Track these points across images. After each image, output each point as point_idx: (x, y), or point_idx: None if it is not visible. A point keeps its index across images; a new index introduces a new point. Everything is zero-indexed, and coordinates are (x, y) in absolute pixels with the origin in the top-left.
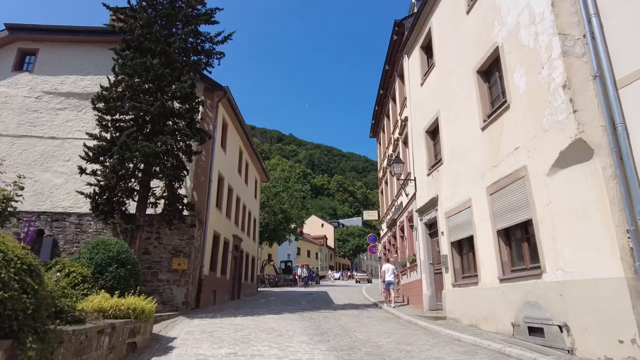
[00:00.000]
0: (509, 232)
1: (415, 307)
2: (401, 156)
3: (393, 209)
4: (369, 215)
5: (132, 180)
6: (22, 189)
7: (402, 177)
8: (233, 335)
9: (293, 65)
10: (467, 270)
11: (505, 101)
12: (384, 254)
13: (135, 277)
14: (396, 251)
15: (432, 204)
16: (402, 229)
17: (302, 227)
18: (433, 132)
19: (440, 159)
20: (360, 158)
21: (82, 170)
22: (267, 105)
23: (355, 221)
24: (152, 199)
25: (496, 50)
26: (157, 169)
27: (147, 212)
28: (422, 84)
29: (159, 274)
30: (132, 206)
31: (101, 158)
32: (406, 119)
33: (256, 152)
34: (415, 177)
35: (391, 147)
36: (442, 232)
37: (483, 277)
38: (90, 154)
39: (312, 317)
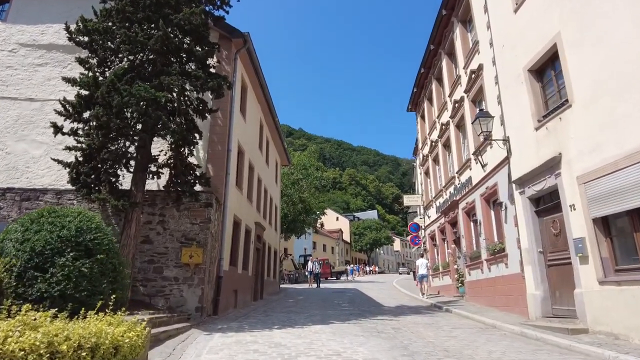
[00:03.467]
0: None
1: (505, 311)
2: (469, 119)
3: (452, 189)
4: (410, 200)
5: (126, 142)
6: None
7: (490, 137)
8: None
9: (299, 60)
10: (631, 260)
11: None
12: (434, 244)
13: (114, 277)
14: (455, 241)
15: (548, 167)
16: (468, 213)
17: (319, 218)
18: (540, 70)
19: (565, 100)
20: (371, 152)
21: (57, 129)
22: (275, 100)
23: (371, 214)
24: (153, 168)
25: None
26: (160, 124)
27: (148, 188)
28: (516, 10)
29: (163, 270)
30: (127, 180)
31: (85, 115)
32: (480, 67)
33: (278, 128)
34: (508, 137)
35: (447, 114)
36: (572, 206)
37: None
38: (70, 108)
39: (377, 328)
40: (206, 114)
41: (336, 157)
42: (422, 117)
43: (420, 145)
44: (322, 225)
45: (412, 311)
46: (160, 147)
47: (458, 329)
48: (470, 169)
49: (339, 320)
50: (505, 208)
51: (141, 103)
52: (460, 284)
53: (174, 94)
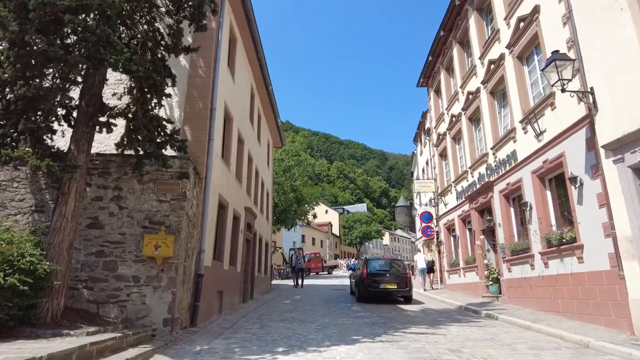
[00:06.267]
0: None
1: (580, 320)
2: (513, 80)
3: (483, 170)
4: (422, 186)
5: (65, 83)
6: None
7: (567, 88)
8: None
9: (286, 52)
10: None
11: None
12: (452, 236)
13: None
14: (486, 230)
15: None
16: (508, 196)
17: (312, 209)
18: None
19: None
20: (359, 146)
21: None
22: None
23: (360, 207)
24: (103, 118)
25: None
26: (108, 46)
27: (99, 151)
28: None
29: (118, 267)
30: (66, 137)
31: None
32: (535, 10)
33: (272, 100)
34: (591, 88)
35: (476, 80)
36: None
37: None
38: None
39: (427, 350)
40: (182, 52)
41: (324, 150)
42: (437, 92)
43: (433, 124)
44: (314, 216)
45: (446, 317)
46: (114, 90)
47: (538, 349)
48: (515, 141)
49: (364, 335)
50: (581, 184)
51: (79, 13)
52: (491, 282)
53: (135, 15)
